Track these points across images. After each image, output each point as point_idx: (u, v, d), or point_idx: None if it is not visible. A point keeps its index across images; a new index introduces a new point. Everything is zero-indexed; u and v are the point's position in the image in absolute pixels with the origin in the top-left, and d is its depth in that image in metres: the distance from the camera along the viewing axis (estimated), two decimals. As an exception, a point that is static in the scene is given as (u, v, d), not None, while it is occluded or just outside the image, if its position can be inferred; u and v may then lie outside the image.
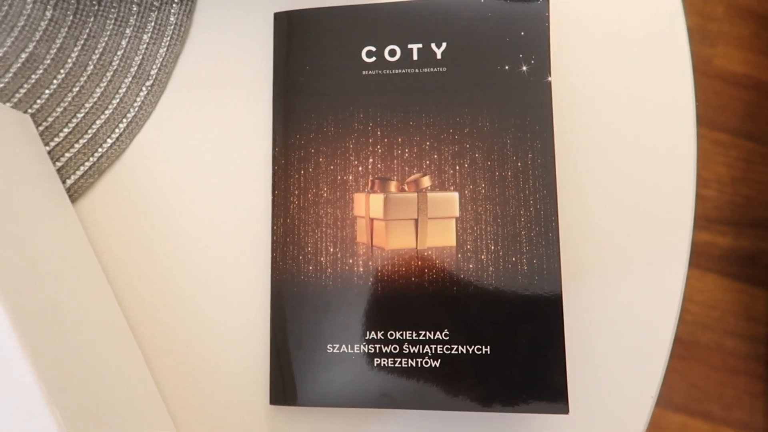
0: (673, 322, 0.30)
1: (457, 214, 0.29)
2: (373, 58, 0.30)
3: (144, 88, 0.32)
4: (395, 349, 0.28)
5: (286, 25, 0.31)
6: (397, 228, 0.29)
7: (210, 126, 0.32)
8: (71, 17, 0.32)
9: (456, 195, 0.29)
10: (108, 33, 0.32)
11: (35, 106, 0.31)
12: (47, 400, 0.20)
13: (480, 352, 0.27)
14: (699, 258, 0.94)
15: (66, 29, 0.32)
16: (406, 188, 0.29)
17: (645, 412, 0.29)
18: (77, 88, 0.32)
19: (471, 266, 0.28)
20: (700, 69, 0.98)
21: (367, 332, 0.28)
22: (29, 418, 0.20)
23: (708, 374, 0.91)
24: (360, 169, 0.29)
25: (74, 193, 0.31)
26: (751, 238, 0.94)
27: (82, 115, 0.31)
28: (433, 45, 0.30)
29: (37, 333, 0.22)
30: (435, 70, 0.30)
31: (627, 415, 0.29)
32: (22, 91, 0.31)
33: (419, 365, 0.28)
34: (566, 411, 0.27)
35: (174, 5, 0.32)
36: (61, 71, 0.32)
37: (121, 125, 0.32)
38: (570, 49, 0.32)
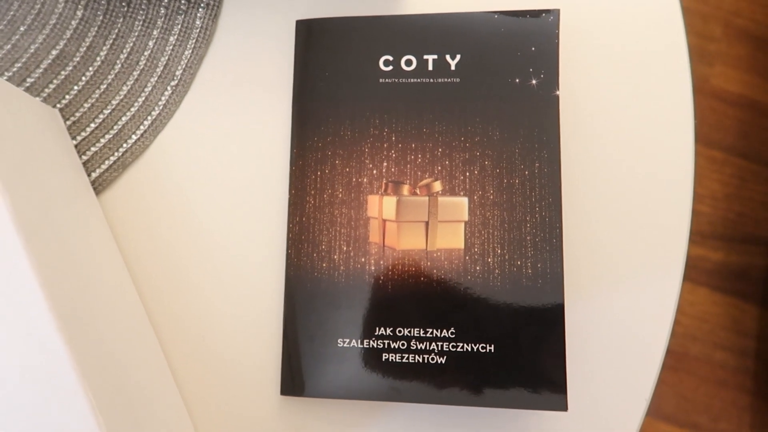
0: (667, 331, 0.31)
1: (466, 218, 0.30)
2: (390, 67, 0.31)
3: (169, 88, 0.33)
4: (403, 345, 0.29)
5: (308, 32, 0.32)
6: (408, 229, 0.30)
7: (231, 126, 0.33)
8: (101, 17, 0.33)
9: (465, 200, 0.30)
10: (136, 34, 0.33)
11: (64, 101, 0.33)
12: (85, 390, 0.21)
13: (484, 351, 0.29)
14: (691, 271, 0.96)
15: (96, 29, 0.33)
16: (418, 192, 0.30)
17: (638, 414, 0.30)
18: (105, 86, 0.33)
19: (478, 268, 0.29)
20: (697, 88, 1.00)
21: (377, 328, 0.29)
22: (71, 413, 0.21)
23: (697, 386, 0.93)
24: (374, 172, 0.31)
25: (98, 186, 0.32)
26: (742, 253, 0.96)
27: (108, 111, 0.33)
28: (447, 57, 0.31)
29: (72, 323, 0.23)
30: (449, 80, 0.31)
31: (621, 416, 0.30)
32: (52, 86, 0.33)
33: (426, 361, 0.29)
34: (565, 408, 0.28)
35: (200, 9, 0.33)
36: (90, 69, 0.33)
37: (145, 122, 0.33)
38: (578, 65, 0.33)
